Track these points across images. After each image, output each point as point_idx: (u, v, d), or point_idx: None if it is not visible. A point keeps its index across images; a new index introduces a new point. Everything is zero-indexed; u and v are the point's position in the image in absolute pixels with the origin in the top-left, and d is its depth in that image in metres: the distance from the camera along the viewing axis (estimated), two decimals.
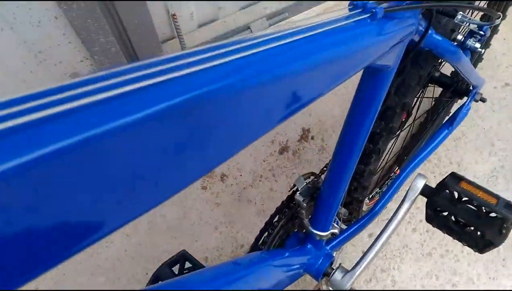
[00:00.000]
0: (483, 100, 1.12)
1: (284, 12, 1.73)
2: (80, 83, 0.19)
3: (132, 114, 0.20)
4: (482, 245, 0.86)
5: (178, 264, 0.78)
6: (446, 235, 1.30)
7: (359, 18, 0.35)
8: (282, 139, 1.48)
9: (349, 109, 0.61)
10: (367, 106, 0.58)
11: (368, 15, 0.35)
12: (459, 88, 1.09)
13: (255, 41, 0.28)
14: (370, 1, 0.36)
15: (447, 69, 1.05)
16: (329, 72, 0.34)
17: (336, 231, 0.82)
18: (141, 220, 1.36)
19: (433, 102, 1.37)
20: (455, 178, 0.86)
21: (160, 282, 0.69)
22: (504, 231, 0.81)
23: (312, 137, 1.49)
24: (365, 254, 0.83)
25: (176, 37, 1.48)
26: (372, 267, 1.28)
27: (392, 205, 1.27)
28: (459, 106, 1.09)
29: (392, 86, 0.78)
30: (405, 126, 1.16)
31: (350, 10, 0.37)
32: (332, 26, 0.33)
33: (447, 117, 1.21)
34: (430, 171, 1.41)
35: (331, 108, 1.54)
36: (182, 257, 0.79)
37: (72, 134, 0.17)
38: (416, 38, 0.55)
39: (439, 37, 0.67)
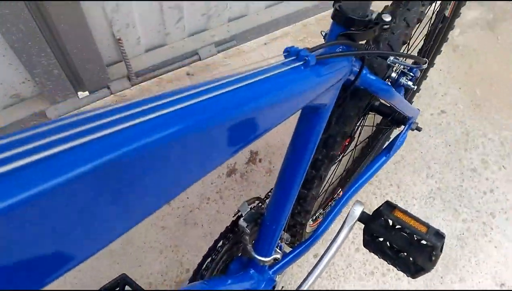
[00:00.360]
0: (418, 129, 1.18)
1: (232, 40, 1.75)
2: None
3: (58, 176, 0.19)
4: (414, 270, 0.90)
5: (118, 289, 0.76)
6: None
7: (293, 65, 0.36)
8: (230, 162, 1.49)
9: (290, 142, 0.63)
10: (306, 140, 0.60)
11: (301, 62, 0.37)
12: (396, 117, 1.15)
13: (194, 90, 0.28)
14: (303, 49, 0.38)
15: None
16: (268, 115, 0.35)
17: (278, 256, 0.83)
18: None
19: (374, 129, 1.43)
20: (389, 206, 0.91)
21: None
22: (433, 258, 0.86)
23: (260, 160, 1.51)
24: (306, 278, 0.85)
25: (122, 60, 1.46)
26: (317, 286, 1.30)
27: (336, 225, 1.30)
28: (397, 133, 1.15)
29: (333, 116, 0.81)
30: (348, 151, 1.21)
31: (285, 57, 0.38)
32: (268, 74, 0.34)
33: (387, 143, 1.27)
34: (372, 192, 1.46)
35: (279, 132, 1.57)
36: (122, 281, 0.76)
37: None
38: (352, 77, 0.58)
39: (372, 77, 0.71)
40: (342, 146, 0.88)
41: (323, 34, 0.65)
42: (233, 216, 0.84)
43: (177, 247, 1.33)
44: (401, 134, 1.16)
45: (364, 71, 0.64)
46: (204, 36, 1.69)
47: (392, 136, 1.34)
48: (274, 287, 0.85)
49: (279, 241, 0.84)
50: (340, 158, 1.24)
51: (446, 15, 1.18)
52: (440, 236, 0.86)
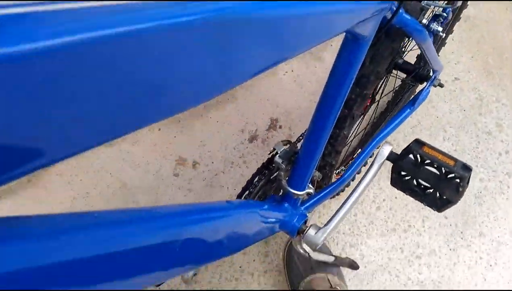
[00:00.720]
0: (441, 85, 1.22)
1: None
2: None
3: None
4: (440, 204, 0.94)
5: None
6: (408, 212, 1.39)
7: None
8: (252, 129, 1.53)
9: (328, 76, 0.67)
10: (345, 72, 0.64)
11: None
12: (420, 74, 1.19)
13: None
14: None
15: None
16: (318, 24, 0.40)
17: (311, 191, 0.87)
18: (113, 204, 1.35)
19: (396, 88, 1.47)
20: (418, 143, 0.95)
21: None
22: (461, 189, 0.90)
23: (280, 127, 1.55)
24: (336, 212, 0.89)
25: None
26: (341, 242, 1.34)
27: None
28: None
29: (367, 55, 0.86)
30: (368, 111, 1.25)
31: None
32: None
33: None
34: None
35: (297, 100, 1.62)
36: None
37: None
38: (389, 15, 0.63)
39: (408, 17, 0.76)
40: (374, 86, 0.93)
41: None
42: (269, 153, 0.88)
43: None
44: (424, 89, 1.20)
45: (400, 10, 0.69)
46: None
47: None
48: (306, 222, 0.89)
49: (310, 183, 0.88)
50: (363, 114, 1.29)
51: None
52: (467, 168, 0.90)
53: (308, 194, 0.86)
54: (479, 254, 1.36)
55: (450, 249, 1.35)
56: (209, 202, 0.61)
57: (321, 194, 0.97)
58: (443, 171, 0.89)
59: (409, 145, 0.94)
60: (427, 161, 0.90)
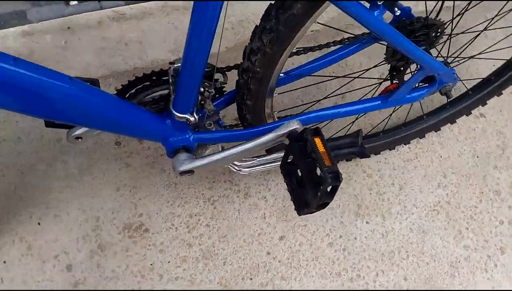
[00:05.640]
0: (447, 95, 0.96)
1: None
2: None
3: None
4: (300, 204, 0.83)
5: None
6: (363, 259, 1.18)
7: None
8: None
9: None
10: None
11: None
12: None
13: None
14: None
15: None
16: None
17: (190, 118, 0.82)
18: (38, 162, 1.22)
19: None
20: (314, 131, 0.80)
21: None
22: (319, 194, 0.75)
23: None
24: (213, 154, 0.86)
25: None
26: (273, 271, 1.16)
27: None
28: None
29: None
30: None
31: None
32: None
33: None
34: (368, 186, 1.27)
35: None
36: None
37: None
38: None
39: None
40: None
41: None
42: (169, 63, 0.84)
43: (135, 188, 1.22)
44: (416, 86, 0.95)
45: None
46: None
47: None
48: (189, 149, 0.88)
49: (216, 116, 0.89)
50: None
51: None
52: (335, 177, 0.74)
53: (187, 120, 0.82)
54: None
55: None
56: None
57: (215, 134, 0.91)
58: (315, 168, 0.76)
59: (304, 129, 0.81)
60: (310, 152, 0.77)
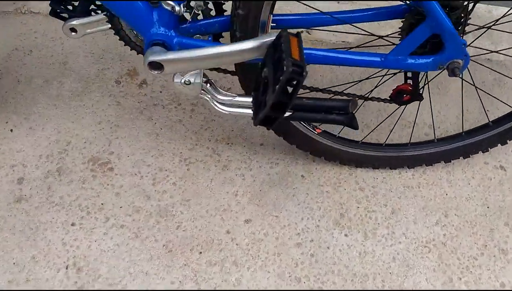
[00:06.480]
0: (454, 72, 0.85)
1: None
2: None
3: None
4: (258, 109, 0.75)
5: None
6: (329, 271, 1.02)
7: None
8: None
9: None
10: None
11: None
12: None
13: None
14: None
15: None
16: None
17: (177, 8, 0.77)
18: (38, 76, 1.22)
19: None
20: (295, 34, 0.71)
21: None
22: (277, 87, 0.66)
23: None
24: (189, 50, 0.79)
25: None
26: (226, 252, 1.02)
27: None
28: None
29: None
30: None
31: None
32: None
33: None
34: (356, 200, 1.13)
35: None
36: None
37: None
38: None
39: None
40: None
41: None
42: None
43: (117, 127, 1.17)
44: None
45: None
46: None
47: None
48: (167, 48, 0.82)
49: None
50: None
51: None
52: (300, 69, 0.65)
53: (173, 8, 0.77)
54: None
55: None
56: None
57: (200, 42, 0.84)
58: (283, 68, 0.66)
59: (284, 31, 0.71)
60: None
